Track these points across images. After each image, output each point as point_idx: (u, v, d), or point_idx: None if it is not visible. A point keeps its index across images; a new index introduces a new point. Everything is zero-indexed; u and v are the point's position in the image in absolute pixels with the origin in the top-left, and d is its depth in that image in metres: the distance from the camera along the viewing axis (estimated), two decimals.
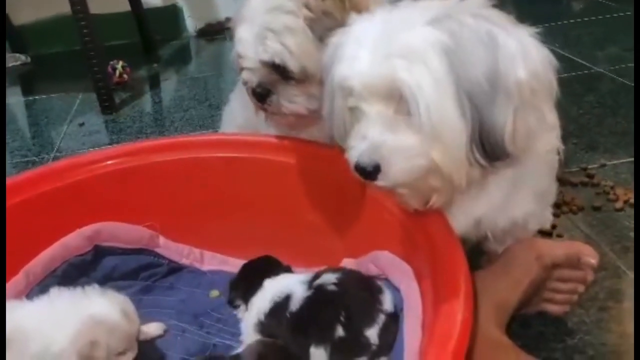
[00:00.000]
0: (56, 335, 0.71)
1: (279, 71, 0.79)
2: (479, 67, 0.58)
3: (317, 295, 0.74)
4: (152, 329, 0.84)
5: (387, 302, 0.73)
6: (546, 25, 2.18)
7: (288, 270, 0.87)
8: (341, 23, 0.75)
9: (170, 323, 0.87)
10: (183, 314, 0.89)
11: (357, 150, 0.62)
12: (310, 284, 0.77)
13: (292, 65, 0.78)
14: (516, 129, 0.60)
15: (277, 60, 0.78)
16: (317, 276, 0.78)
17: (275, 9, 0.77)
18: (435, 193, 0.67)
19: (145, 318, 0.85)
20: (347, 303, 0.72)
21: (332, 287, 0.74)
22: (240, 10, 0.83)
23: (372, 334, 0.70)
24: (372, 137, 0.61)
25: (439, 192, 0.66)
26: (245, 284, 0.84)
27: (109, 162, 0.95)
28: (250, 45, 0.79)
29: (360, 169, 0.62)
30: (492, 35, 0.60)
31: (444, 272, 0.67)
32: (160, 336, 0.85)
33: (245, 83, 0.84)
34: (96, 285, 0.81)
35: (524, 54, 0.60)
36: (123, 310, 0.76)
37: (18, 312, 0.76)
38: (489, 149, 0.60)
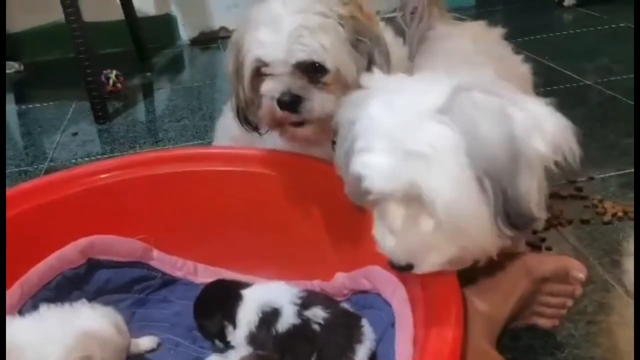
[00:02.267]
0: (49, 350, 0.72)
1: (311, 73, 0.78)
2: (496, 145, 0.57)
3: (302, 329, 0.77)
4: (146, 343, 0.85)
5: (362, 353, 0.75)
6: (537, 37, 2.21)
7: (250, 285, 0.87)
8: (367, 28, 0.79)
9: (164, 337, 0.87)
10: (177, 327, 0.89)
11: (388, 248, 0.64)
12: (300, 310, 0.78)
13: (330, 63, 0.76)
14: (540, 195, 0.60)
15: (315, 58, 0.76)
16: (308, 302, 0.80)
17: (305, 10, 0.76)
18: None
19: (138, 331, 0.86)
20: (323, 346, 0.75)
21: (316, 327, 0.77)
22: (251, 16, 0.81)
23: None
24: (399, 236, 0.62)
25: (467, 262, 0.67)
26: (223, 303, 0.83)
27: (103, 176, 0.96)
28: (281, 47, 0.76)
29: (394, 266, 0.64)
30: (504, 110, 0.59)
31: (435, 288, 0.68)
32: (153, 350, 0.86)
33: (257, 97, 0.81)
34: (85, 300, 0.81)
35: (538, 126, 0.59)
36: (115, 324, 0.77)
37: (11, 326, 0.76)
38: (515, 219, 0.59)
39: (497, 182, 0.57)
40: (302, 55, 0.76)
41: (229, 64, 0.87)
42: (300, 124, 0.80)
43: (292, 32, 0.76)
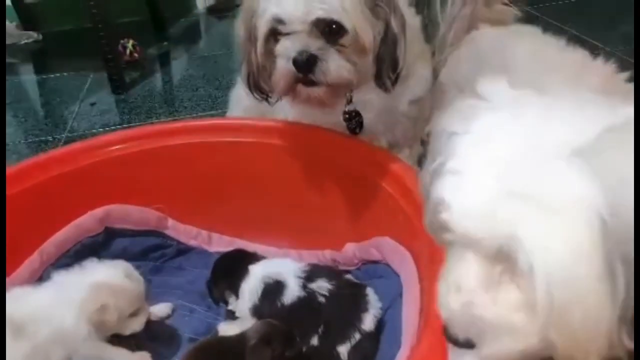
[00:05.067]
0: (64, 313, 0.74)
1: (328, 34, 0.76)
2: None
3: (307, 301, 0.78)
4: (161, 309, 0.88)
5: (369, 321, 0.76)
6: (559, 2, 2.15)
7: (262, 259, 0.89)
8: None
9: (179, 303, 0.90)
10: (191, 294, 0.92)
11: (447, 312, 0.48)
12: (304, 283, 0.79)
13: (348, 24, 0.75)
14: None
15: (335, 17, 0.75)
16: (312, 274, 0.81)
17: None
18: None
19: (154, 298, 0.89)
20: (329, 318, 0.76)
21: (321, 299, 0.78)
22: None
23: (342, 350, 0.74)
24: (468, 300, 0.45)
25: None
26: (229, 274, 0.85)
27: (120, 146, 0.98)
28: (298, 6, 0.75)
29: (449, 337, 0.48)
30: None
31: (442, 259, 0.69)
32: (168, 316, 0.88)
33: (274, 57, 0.80)
34: (94, 259, 0.83)
35: None
36: (125, 272, 0.79)
37: (29, 298, 0.78)
38: None
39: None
40: (321, 13, 0.75)
41: (241, 30, 0.87)
42: (313, 83, 0.79)
43: None
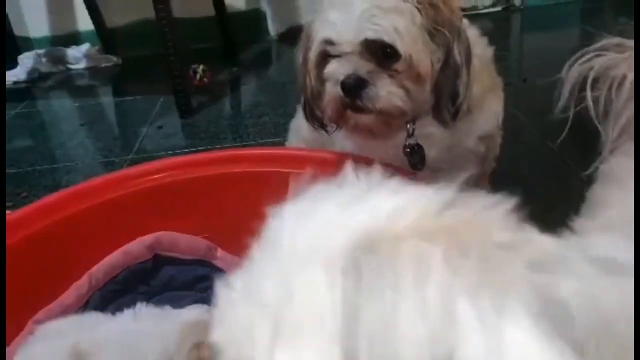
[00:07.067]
0: (154, 346, 0.73)
1: (380, 58, 0.72)
2: None
3: None
4: None
5: None
6: None
7: None
8: (447, 18, 0.72)
9: None
10: None
11: None
12: None
13: (401, 48, 0.71)
14: None
15: (387, 39, 0.70)
16: None
17: None
18: None
19: None
20: None
21: None
22: (323, 3, 0.77)
23: None
24: None
25: None
26: None
27: (171, 172, 0.96)
28: (349, 26, 0.72)
29: None
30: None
31: None
32: None
33: (324, 80, 0.76)
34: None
35: None
36: (208, 311, 0.77)
37: (102, 326, 0.77)
38: None
39: None
40: (371, 34, 0.71)
41: (299, 55, 0.84)
42: (361, 109, 0.74)
43: (364, 12, 0.71)
